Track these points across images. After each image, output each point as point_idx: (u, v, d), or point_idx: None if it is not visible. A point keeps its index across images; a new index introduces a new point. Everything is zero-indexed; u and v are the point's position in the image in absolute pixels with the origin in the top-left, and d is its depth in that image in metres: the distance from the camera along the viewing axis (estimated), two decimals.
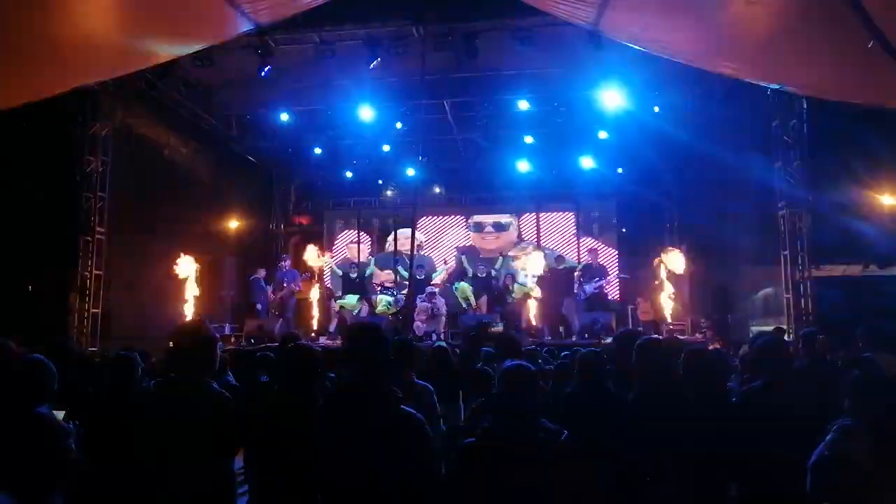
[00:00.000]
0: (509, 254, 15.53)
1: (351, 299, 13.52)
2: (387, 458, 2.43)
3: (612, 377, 3.78)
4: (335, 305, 13.85)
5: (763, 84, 9.49)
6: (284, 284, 13.04)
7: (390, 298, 13.32)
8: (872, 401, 2.63)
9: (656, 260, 11.76)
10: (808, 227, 9.71)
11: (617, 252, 16.60)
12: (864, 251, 9.51)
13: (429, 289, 12.94)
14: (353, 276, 13.97)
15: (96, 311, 10.39)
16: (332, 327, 13.37)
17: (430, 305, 12.39)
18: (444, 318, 12.63)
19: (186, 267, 11.27)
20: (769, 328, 9.77)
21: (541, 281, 12.46)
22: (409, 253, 11.70)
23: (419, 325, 12.09)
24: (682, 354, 3.78)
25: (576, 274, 13.27)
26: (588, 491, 2.48)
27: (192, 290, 11.30)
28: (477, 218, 17.21)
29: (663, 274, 11.51)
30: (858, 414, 2.64)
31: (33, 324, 8.39)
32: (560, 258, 14.90)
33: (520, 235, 17.16)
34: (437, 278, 14.13)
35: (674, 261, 11.63)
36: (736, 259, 12.01)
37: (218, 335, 3.31)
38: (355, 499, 2.46)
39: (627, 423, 3.21)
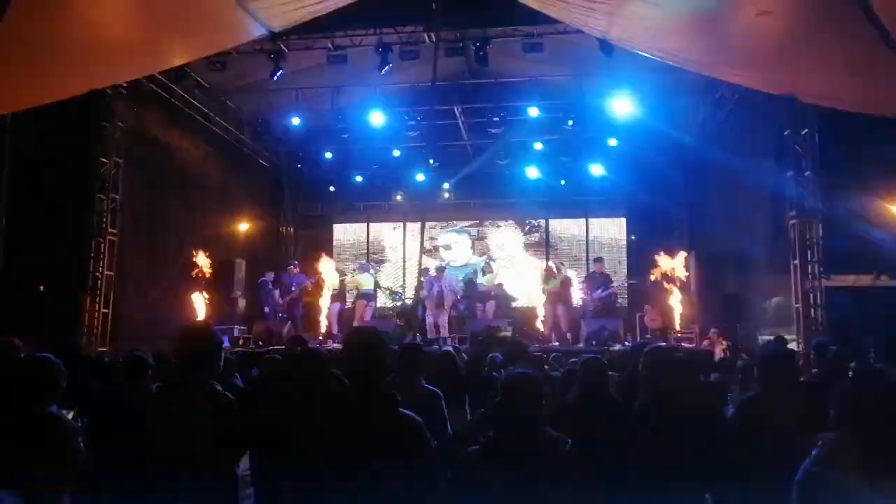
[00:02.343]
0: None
1: (366, 280, 13.66)
2: (385, 461, 2.44)
3: (617, 385, 3.76)
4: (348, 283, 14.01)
5: (774, 93, 9.47)
6: (293, 289, 13.08)
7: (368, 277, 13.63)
8: (861, 413, 2.57)
9: (654, 271, 11.79)
10: (819, 236, 9.65)
11: (626, 259, 16.56)
12: (876, 261, 9.42)
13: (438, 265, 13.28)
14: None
15: (107, 311, 10.46)
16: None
17: (434, 290, 12.43)
18: (452, 300, 12.69)
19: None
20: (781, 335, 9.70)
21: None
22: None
23: (429, 317, 12.18)
24: (692, 364, 3.78)
25: (580, 283, 13.26)
26: (591, 500, 2.48)
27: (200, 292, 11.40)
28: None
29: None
30: (846, 426, 2.57)
31: (44, 324, 8.46)
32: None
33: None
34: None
35: (670, 265, 11.61)
36: (747, 267, 11.95)
37: (225, 337, 3.33)
38: (355, 502, 2.47)
39: (632, 432, 3.20)
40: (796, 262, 9.73)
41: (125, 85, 10.62)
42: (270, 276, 13.45)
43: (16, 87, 7.61)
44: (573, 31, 10.07)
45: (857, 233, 9.13)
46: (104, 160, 10.63)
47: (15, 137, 8.78)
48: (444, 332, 12.23)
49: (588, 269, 15.61)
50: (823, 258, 9.61)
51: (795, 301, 9.69)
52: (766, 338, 10.24)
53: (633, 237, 16.68)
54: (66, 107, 8.78)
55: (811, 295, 9.60)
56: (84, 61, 7.74)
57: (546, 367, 6.57)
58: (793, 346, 9.03)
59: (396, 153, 15.45)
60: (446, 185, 16.79)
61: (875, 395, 2.65)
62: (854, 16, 5.45)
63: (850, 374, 5.16)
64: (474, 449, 2.55)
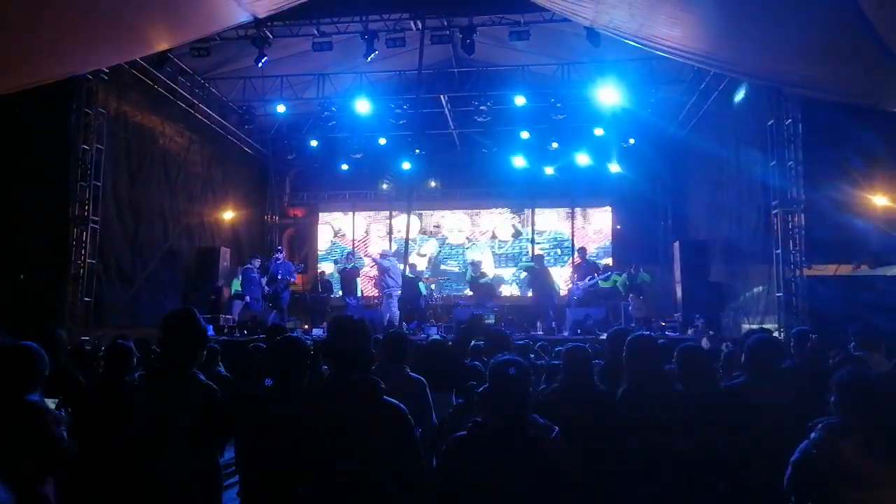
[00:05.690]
0: None
1: None
2: (370, 449, 2.44)
3: (600, 373, 3.78)
4: None
5: (759, 82, 9.51)
6: (278, 276, 13.02)
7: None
8: (862, 399, 2.62)
9: None
10: (802, 225, 9.73)
11: (612, 248, 16.64)
12: (857, 250, 9.52)
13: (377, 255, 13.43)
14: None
15: (89, 299, 10.35)
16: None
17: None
18: (395, 294, 12.66)
19: None
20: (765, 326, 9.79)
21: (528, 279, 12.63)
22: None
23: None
24: (673, 351, 3.81)
25: (570, 273, 13.35)
26: (579, 486, 2.49)
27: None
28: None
29: None
30: (847, 412, 2.63)
31: (26, 312, 8.36)
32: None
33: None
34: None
35: None
36: (731, 256, 12.04)
37: (210, 326, 3.32)
38: (340, 490, 2.47)
39: (616, 419, 3.23)
40: (779, 251, 9.82)
41: (106, 70, 10.46)
42: (256, 263, 13.36)
43: None
44: (560, 20, 10.05)
45: (839, 222, 9.21)
46: (85, 147, 10.48)
47: None
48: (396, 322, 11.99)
49: (574, 258, 15.68)
50: (805, 247, 9.70)
51: (777, 290, 9.78)
52: (752, 326, 10.34)
53: (618, 227, 16.76)
54: (46, 92, 8.64)
55: (792, 284, 9.69)
56: (64, 45, 7.62)
57: (532, 355, 6.61)
58: (774, 334, 9.12)
59: (382, 141, 15.38)
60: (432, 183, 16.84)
61: (876, 382, 2.71)
62: (840, 5, 5.48)
63: (830, 363, 5.24)
64: (461, 434, 2.54)
